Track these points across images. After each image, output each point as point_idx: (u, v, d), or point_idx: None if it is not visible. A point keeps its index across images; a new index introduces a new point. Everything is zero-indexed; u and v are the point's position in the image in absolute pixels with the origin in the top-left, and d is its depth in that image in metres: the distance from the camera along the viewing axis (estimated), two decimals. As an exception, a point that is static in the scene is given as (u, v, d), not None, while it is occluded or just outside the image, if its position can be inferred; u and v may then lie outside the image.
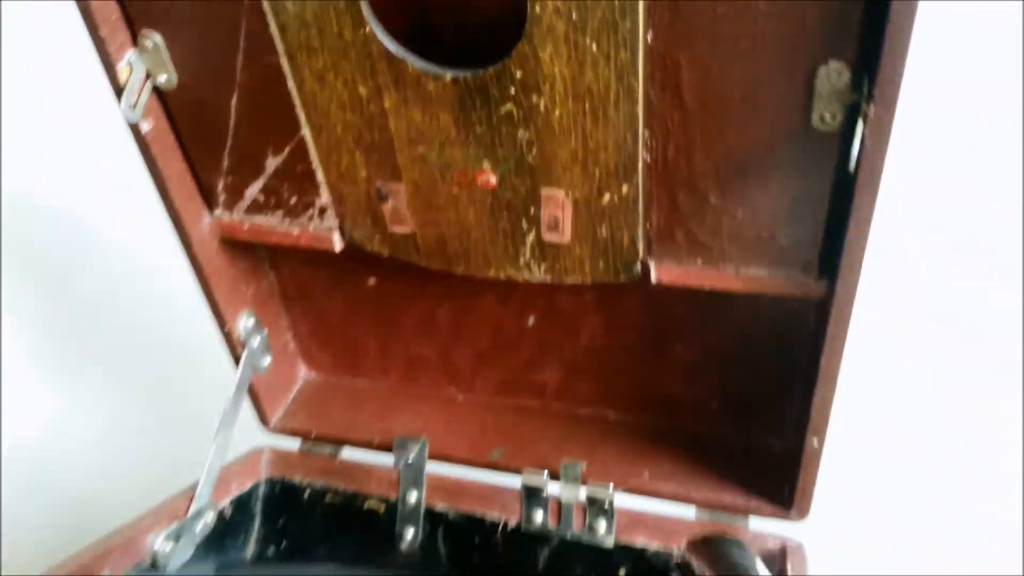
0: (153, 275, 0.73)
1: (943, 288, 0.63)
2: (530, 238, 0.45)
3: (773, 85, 0.36)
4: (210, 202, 0.49)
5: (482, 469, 0.56)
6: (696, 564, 0.41)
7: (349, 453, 0.59)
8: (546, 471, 0.52)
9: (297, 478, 0.58)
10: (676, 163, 0.40)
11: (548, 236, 0.45)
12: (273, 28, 0.40)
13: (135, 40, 0.42)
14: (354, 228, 0.48)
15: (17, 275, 0.79)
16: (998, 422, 0.62)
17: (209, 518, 0.52)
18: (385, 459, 0.57)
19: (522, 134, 0.41)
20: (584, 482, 0.52)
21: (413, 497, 0.54)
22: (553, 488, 0.53)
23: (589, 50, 0.37)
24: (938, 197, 0.63)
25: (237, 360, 0.55)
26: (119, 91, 0.42)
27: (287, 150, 0.45)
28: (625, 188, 0.42)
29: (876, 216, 0.37)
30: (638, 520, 0.51)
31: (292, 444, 0.60)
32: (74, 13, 0.40)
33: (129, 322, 0.77)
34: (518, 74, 0.38)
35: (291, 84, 0.42)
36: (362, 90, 0.41)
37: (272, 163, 0.46)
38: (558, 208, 0.43)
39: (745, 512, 0.51)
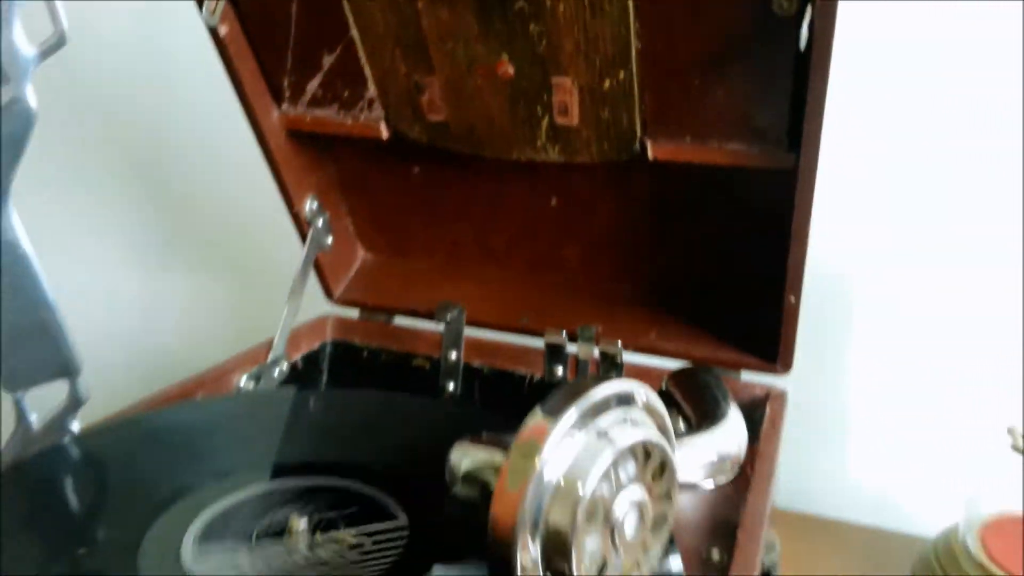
0: (231, 168, 0.83)
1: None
2: (544, 122, 0.53)
3: (737, -23, 0.43)
4: (277, 98, 0.58)
5: (512, 333, 0.64)
6: (675, 392, 0.49)
7: (400, 320, 0.69)
8: (565, 332, 0.61)
9: (356, 340, 0.68)
10: (663, 51, 0.47)
11: (559, 120, 0.52)
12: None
13: (213, -44, 0.51)
14: (397, 118, 0.57)
15: (112, 169, 0.90)
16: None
17: (283, 367, 0.62)
18: (430, 325, 0.66)
19: (533, 28, 0.48)
20: (598, 342, 0.60)
21: (453, 355, 0.64)
22: (572, 348, 0.61)
23: (582, -48, 0.44)
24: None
25: (304, 238, 0.64)
26: (200, 0, 0.51)
27: (339, 49, 0.53)
28: (622, 74, 0.49)
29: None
30: (643, 373, 0.59)
31: (352, 313, 0.70)
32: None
33: (213, 210, 0.89)
34: (525, -25, 0.46)
35: (341, -10, 0.50)
36: (399, -6, 0.49)
37: (327, 61, 0.54)
38: (567, 94, 0.51)
39: (737, 367, 0.59)
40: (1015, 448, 0.54)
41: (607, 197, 0.60)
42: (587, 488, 0.26)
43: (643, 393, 0.29)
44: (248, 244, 0.86)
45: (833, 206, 0.67)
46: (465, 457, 0.33)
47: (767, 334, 0.58)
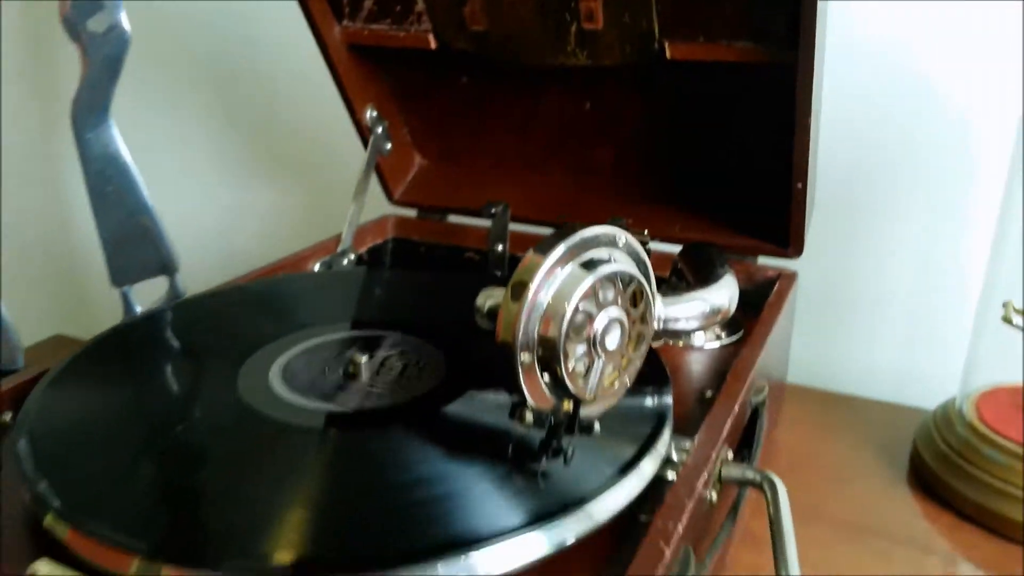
0: (303, 85, 0.91)
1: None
2: (572, 28, 0.59)
3: None
4: (338, 15, 0.66)
5: (551, 227, 0.71)
6: (683, 264, 0.56)
7: (453, 218, 0.77)
8: (598, 224, 0.68)
9: (415, 237, 0.76)
10: (674, -41, 0.53)
11: (586, 25, 0.59)
12: None
13: None
14: (443, 30, 0.63)
15: (200, 90, 1.00)
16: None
17: (351, 257, 0.71)
18: (480, 222, 0.74)
19: (559, -59, 0.54)
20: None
21: (500, 247, 0.71)
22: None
23: None
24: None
25: (366, 144, 0.72)
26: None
27: (390, -32, 0.60)
28: (639, -20, 0.55)
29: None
30: (668, 258, 0.66)
31: (410, 213, 0.78)
32: None
33: (289, 125, 0.98)
34: None
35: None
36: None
37: (380, -21, 0.61)
38: (592, 1, 0.57)
39: (754, 252, 0.65)
40: (1005, 319, 0.59)
41: (633, 100, 0.66)
42: (571, 305, 0.34)
43: (623, 237, 0.36)
44: (319, 156, 0.95)
45: (846, 99, 0.72)
46: (488, 298, 0.41)
47: (779, 222, 0.63)
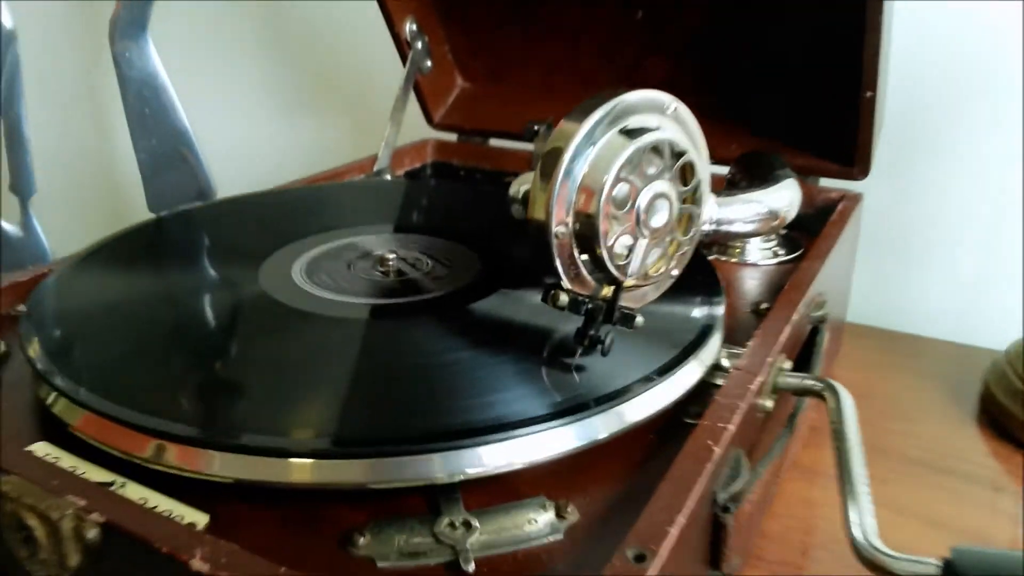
0: (345, 16, 0.89)
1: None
2: (624, -78, 0.55)
3: None
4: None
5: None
6: (739, 172, 0.51)
7: (495, 142, 0.73)
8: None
9: (455, 161, 0.73)
10: None
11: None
12: None
13: None
14: (487, -70, 0.59)
15: (247, 26, 0.98)
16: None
17: (388, 174, 0.68)
18: (522, 146, 0.70)
19: None
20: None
21: (542, 170, 0.68)
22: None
23: None
24: None
25: (404, 59, 0.69)
26: None
27: None
28: None
29: None
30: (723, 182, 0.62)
31: (451, 137, 0.74)
32: None
33: (332, 58, 0.95)
34: None
35: None
36: None
37: None
38: None
39: (815, 173, 0.60)
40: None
41: (688, 3, 0.61)
42: (610, 176, 0.30)
43: (673, 104, 0.32)
44: (363, 89, 0.93)
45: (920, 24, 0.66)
46: (522, 184, 0.38)
47: (844, 139, 0.58)
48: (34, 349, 0.34)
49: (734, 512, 0.29)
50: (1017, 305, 0.64)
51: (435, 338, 0.36)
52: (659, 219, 0.32)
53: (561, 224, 0.31)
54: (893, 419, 0.57)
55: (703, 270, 0.43)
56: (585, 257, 0.32)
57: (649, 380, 0.33)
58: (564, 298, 0.32)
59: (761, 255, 0.52)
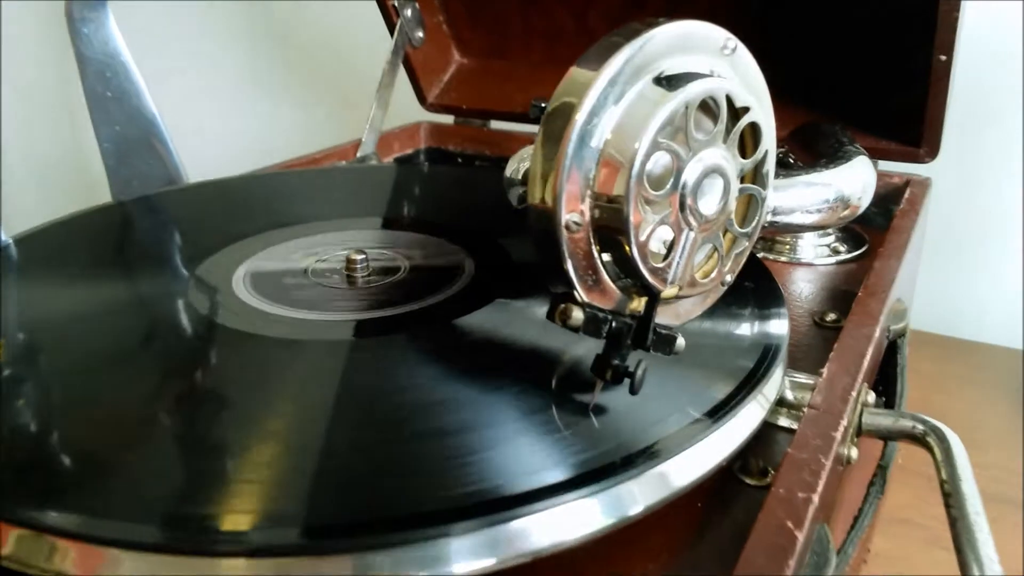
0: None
1: None
2: None
3: None
4: None
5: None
6: (793, 149, 0.42)
7: (496, 124, 0.64)
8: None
9: (451, 147, 0.64)
10: None
11: None
12: None
13: None
14: None
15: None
16: None
17: (373, 160, 0.59)
18: (526, 128, 0.61)
19: None
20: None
21: (551, 156, 0.59)
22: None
23: None
24: None
25: (392, 30, 0.60)
26: None
27: None
28: None
29: None
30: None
31: (447, 119, 0.65)
32: None
33: (316, 40, 0.86)
34: None
35: None
36: None
37: None
38: None
39: (878, 155, 0.51)
40: None
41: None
42: (643, 144, 0.21)
43: (733, 41, 0.23)
44: (349, 72, 0.84)
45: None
46: (523, 162, 0.29)
47: (909, 114, 0.49)
48: None
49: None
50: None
51: (404, 370, 0.27)
52: (711, 203, 0.23)
53: (574, 212, 0.22)
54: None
55: (755, 271, 0.34)
56: (608, 257, 0.23)
57: (698, 424, 0.24)
58: (578, 315, 0.22)
59: (817, 253, 0.43)
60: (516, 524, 0.20)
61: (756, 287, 0.32)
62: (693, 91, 0.22)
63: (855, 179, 0.34)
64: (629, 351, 0.23)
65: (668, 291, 0.23)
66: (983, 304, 0.64)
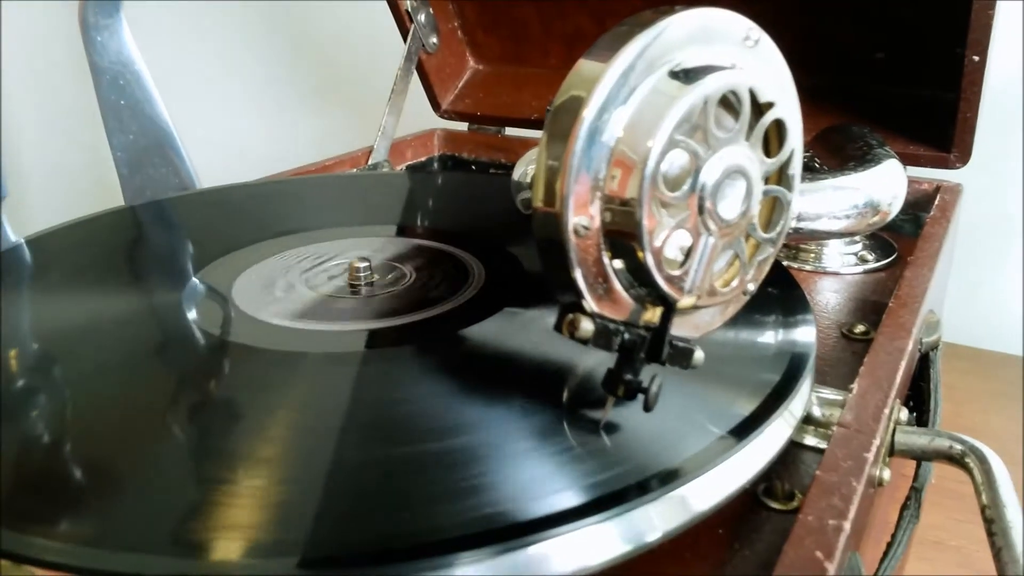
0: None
1: None
2: None
3: None
4: None
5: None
6: (818, 152, 0.40)
7: (511, 131, 0.63)
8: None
9: (465, 154, 0.63)
10: None
11: None
12: None
13: None
14: None
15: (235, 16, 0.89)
16: None
17: (385, 167, 0.58)
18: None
19: None
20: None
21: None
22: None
23: None
24: None
25: (405, 35, 0.59)
26: None
27: None
28: None
29: None
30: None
31: (461, 126, 0.64)
32: None
33: (328, 50, 0.86)
34: None
35: None
36: None
37: None
38: None
39: (906, 161, 0.49)
40: None
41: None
42: (657, 142, 0.20)
43: (757, 32, 0.22)
44: (365, 79, 0.83)
45: None
46: (528, 165, 0.27)
47: (940, 118, 0.47)
48: None
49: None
50: None
51: (404, 387, 0.25)
52: (732, 207, 0.21)
53: (583, 215, 0.20)
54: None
55: (779, 278, 0.32)
56: (620, 264, 0.21)
57: (720, 444, 0.22)
58: (587, 326, 0.21)
59: (844, 261, 0.41)
60: (524, 553, 0.19)
61: (780, 294, 0.31)
62: (713, 85, 0.20)
63: (885, 183, 0.32)
64: (643, 365, 0.21)
65: (685, 301, 0.21)
66: (1014, 315, 0.62)
